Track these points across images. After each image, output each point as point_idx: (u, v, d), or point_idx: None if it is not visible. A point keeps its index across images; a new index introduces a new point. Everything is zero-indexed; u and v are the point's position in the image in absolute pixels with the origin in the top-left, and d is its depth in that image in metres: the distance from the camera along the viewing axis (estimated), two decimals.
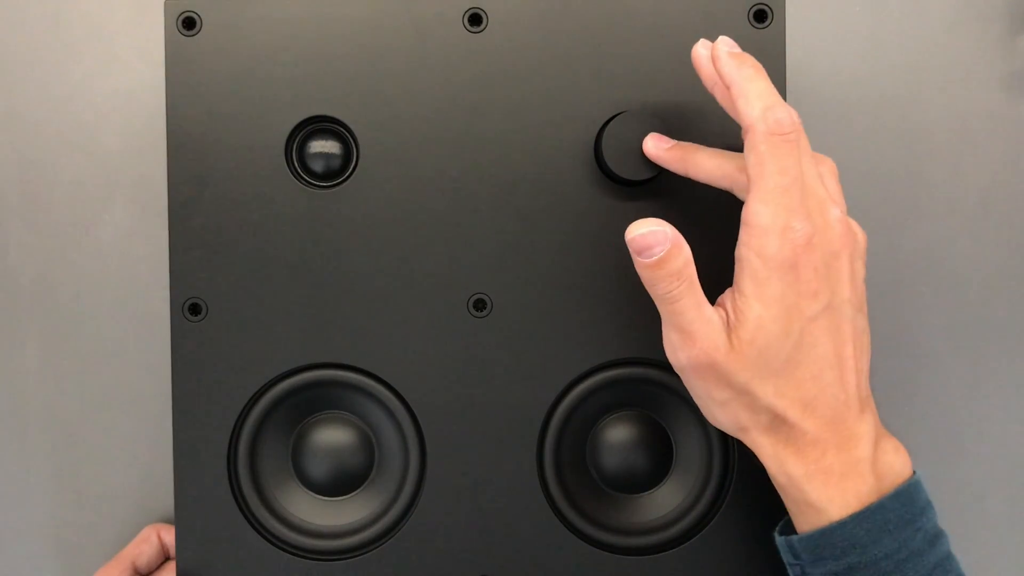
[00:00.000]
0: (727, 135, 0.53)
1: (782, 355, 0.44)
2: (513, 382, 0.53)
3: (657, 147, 0.50)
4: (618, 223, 0.53)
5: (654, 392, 0.54)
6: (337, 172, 0.53)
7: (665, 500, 0.55)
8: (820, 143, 0.61)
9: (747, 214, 0.44)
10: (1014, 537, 0.63)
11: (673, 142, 0.50)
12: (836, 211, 0.45)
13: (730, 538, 0.54)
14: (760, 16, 0.53)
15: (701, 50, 0.48)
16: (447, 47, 0.53)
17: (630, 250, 0.45)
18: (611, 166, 0.51)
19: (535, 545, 0.53)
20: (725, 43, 0.47)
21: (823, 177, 0.47)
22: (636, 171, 0.51)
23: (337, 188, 0.53)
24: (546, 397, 0.54)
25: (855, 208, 0.61)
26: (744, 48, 0.53)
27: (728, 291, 0.46)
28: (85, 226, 0.63)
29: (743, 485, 0.54)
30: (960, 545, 0.62)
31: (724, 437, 0.54)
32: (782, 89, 0.53)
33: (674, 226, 0.53)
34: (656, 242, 0.44)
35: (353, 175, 0.53)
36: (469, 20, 0.53)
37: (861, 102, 0.62)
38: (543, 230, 0.53)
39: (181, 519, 0.54)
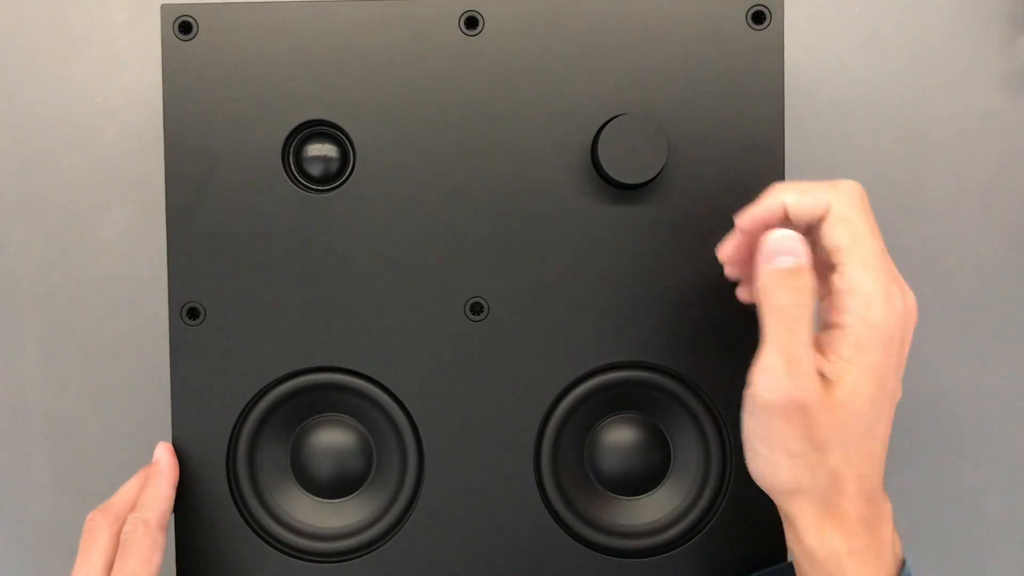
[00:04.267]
0: (724, 137, 0.53)
1: (864, 424, 0.43)
2: (510, 385, 0.53)
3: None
4: (614, 226, 0.53)
5: (651, 395, 0.54)
6: (334, 176, 0.53)
7: (662, 503, 0.55)
8: (820, 143, 0.61)
9: (848, 282, 0.43)
10: (1014, 537, 0.63)
11: None
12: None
13: (727, 541, 0.54)
14: (758, 17, 0.53)
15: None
16: (443, 50, 0.52)
17: (760, 256, 0.44)
18: (607, 170, 0.51)
19: (532, 548, 0.54)
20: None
21: None
22: (632, 174, 0.51)
23: (334, 192, 0.53)
24: (543, 400, 0.54)
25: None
26: (742, 49, 0.53)
27: (816, 355, 0.44)
28: (85, 226, 0.63)
29: (740, 488, 0.54)
30: (960, 545, 0.62)
31: (721, 440, 0.54)
32: (780, 90, 0.53)
33: (671, 231, 0.53)
34: (793, 251, 0.43)
35: (350, 179, 0.53)
36: (465, 23, 0.52)
37: (861, 102, 0.62)
38: (539, 233, 0.53)
39: (181, 521, 0.54)
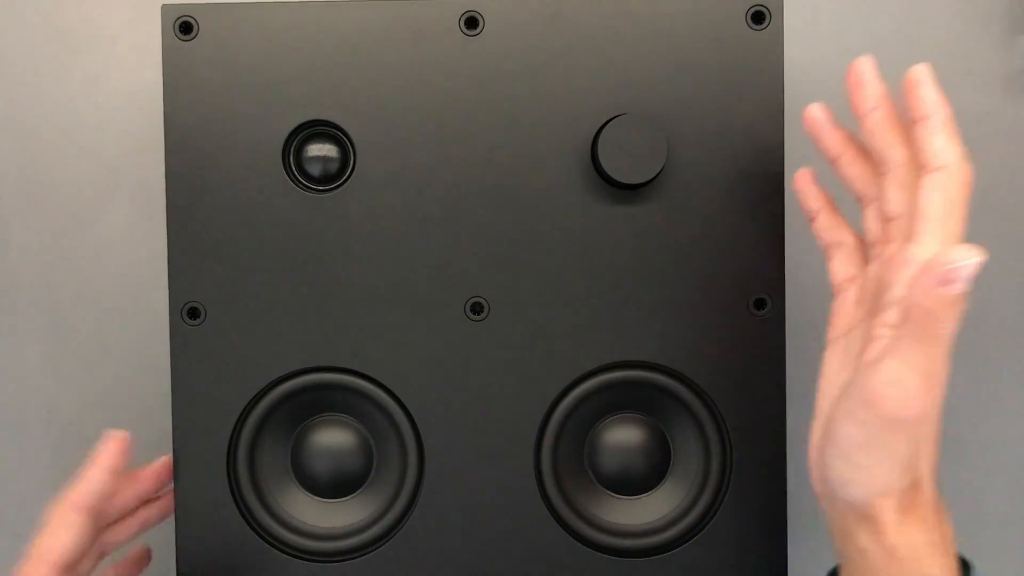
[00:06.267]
0: (724, 136, 0.53)
1: (933, 423, 0.43)
2: (510, 385, 0.53)
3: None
4: (615, 226, 0.53)
5: (651, 395, 0.54)
6: (334, 176, 0.53)
7: (662, 502, 0.55)
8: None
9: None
10: (1014, 537, 0.63)
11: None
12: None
13: (727, 540, 0.54)
14: (758, 18, 0.53)
15: (816, 113, 0.46)
16: (443, 50, 0.52)
17: (927, 275, 0.39)
18: (608, 170, 0.51)
19: (532, 547, 0.54)
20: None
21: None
22: (633, 175, 0.51)
23: (334, 192, 0.53)
24: (543, 400, 0.54)
25: (855, 208, 0.62)
26: (742, 50, 0.53)
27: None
28: (85, 226, 0.63)
29: (740, 487, 0.54)
30: (960, 545, 0.62)
31: (721, 440, 0.54)
32: (780, 90, 0.53)
33: (671, 231, 0.53)
34: (967, 278, 0.39)
35: (350, 179, 0.53)
36: (465, 23, 0.52)
37: None
38: (540, 233, 0.53)
39: (181, 521, 0.54)
